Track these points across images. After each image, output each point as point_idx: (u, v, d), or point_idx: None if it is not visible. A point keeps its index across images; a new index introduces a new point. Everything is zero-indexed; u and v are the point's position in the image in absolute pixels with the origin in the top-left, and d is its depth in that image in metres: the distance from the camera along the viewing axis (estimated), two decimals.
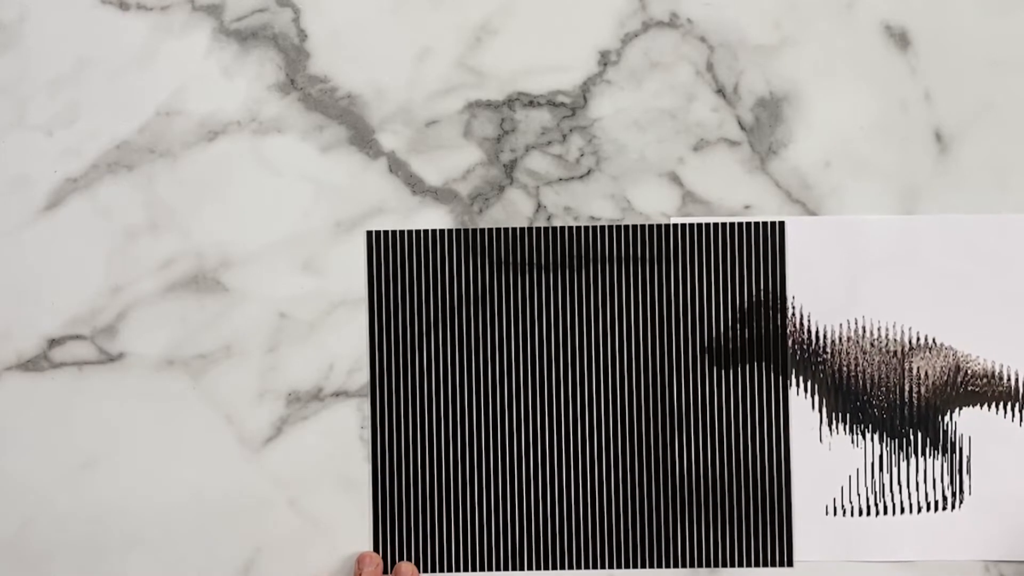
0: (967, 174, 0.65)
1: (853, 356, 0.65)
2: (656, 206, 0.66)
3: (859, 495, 0.65)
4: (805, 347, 0.65)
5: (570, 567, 0.65)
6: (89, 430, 0.65)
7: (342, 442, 0.66)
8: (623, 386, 0.65)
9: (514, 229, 0.65)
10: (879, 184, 0.65)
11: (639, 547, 0.65)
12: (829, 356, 0.65)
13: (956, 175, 0.65)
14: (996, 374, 0.65)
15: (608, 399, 0.65)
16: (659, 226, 0.65)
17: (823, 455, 0.65)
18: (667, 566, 0.65)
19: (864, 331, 0.65)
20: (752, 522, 0.65)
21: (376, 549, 0.65)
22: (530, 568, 0.65)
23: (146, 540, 0.65)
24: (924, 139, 0.65)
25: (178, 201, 0.66)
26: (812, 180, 0.65)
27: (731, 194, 0.66)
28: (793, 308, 0.65)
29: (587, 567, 0.65)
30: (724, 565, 0.65)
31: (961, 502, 0.65)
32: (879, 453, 0.65)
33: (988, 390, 0.65)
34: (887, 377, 0.65)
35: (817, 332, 0.65)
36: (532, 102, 0.66)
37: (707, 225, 0.65)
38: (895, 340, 0.65)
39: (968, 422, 0.65)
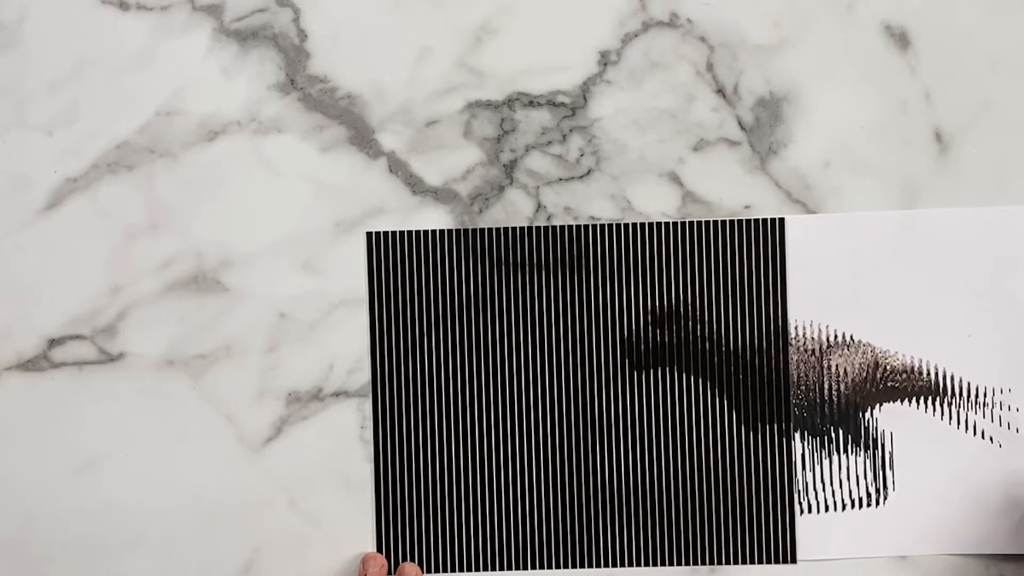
0: (967, 174, 0.65)
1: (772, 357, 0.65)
2: (656, 206, 0.66)
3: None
4: (721, 351, 0.65)
5: (573, 566, 0.65)
6: (89, 430, 0.65)
7: (342, 442, 0.66)
8: (624, 384, 0.65)
9: (513, 228, 0.65)
10: (879, 184, 0.65)
11: (640, 545, 0.65)
12: (750, 360, 0.65)
13: (956, 175, 0.65)
14: (915, 369, 0.65)
15: (608, 397, 0.65)
16: (656, 224, 0.65)
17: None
18: (667, 564, 0.65)
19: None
20: (753, 520, 0.65)
21: (379, 550, 0.65)
22: (534, 567, 0.65)
23: (146, 540, 0.65)
24: (924, 139, 0.65)
25: (178, 201, 0.66)
26: (812, 180, 0.65)
27: (731, 194, 0.66)
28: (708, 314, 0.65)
29: (590, 565, 0.65)
30: (726, 563, 0.65)
31: (885, 498, 0.65)
32: (801, 452, 0.65)
33: (908, 385, 0.65)
34: (806, 375, 0.65)
35: (737, 335, 0.65)
36: (532, 102, 0.66)
37: (705, 223, 0.65)
38: (813, 338, 0.65)
39: (889, 418, 0.65)
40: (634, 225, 0.65)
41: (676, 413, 0.65)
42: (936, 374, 0.65)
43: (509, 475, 0.65)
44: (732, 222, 0.65)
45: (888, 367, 0.65)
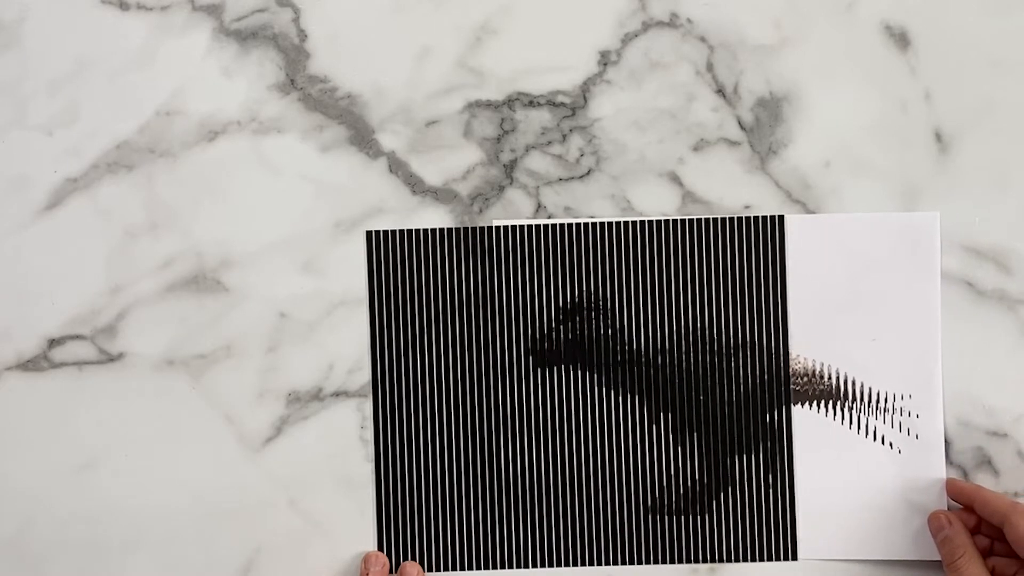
0: (967, 174, 0.65)
1: (676, 356, 0.65)
2: (656, 206, 0.66)
3: (682, 494, 0.65)
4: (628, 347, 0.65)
5: (574, 564, 0.65)
6: (89, 430, 0.65)
7: (342, 442, 0.66)
8: (623, 382, 0.65)
9: (512, 227, 0.65)
10: (879, 184, 0.65)
11: (640, 544, 0.65)
12: (652, 356, 0.65)
13: (956, 175, 0.65)
14: (817, 372, 0.65)
15: (608, 395, 0.65)
16: (657, 222, 0.65)
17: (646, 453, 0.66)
18: (668, 562, 0.65)
19: (687, 331, 0.65)
20: (754, 517, 0.65)
21: (380, 549, 0.65)
22: (534, 565, 0.65)
23: (146, 540, 0.65)
24: (924, 139, 0.65)
25: (178, 201, 0.66)
26: (812, 180, 0.65)
27: (731, 194, 0.66)
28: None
29: (590, 564, 0.65)
30: (727, 560, 0.65)
31: (787, 500, 0.65)
32: (708, 451, 0.65)
33: (809, 388, 0.65)
34: (710, 376, 0.65)
35: (642, 334, 0.65)
36: (532, 102, 0.66)
37: (704, 220, 0.65)
38: (716, 339, 0.65)
39: (791, 420, 0.65)
40: (633, 223, 0.65)
41: (675, 409, 0.65)
42: (838, 378, 0.65)
43: (511, 474, 0.65)
44: (731, 220, 0.65)
45: (791, 370, 0.65)
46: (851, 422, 0.65)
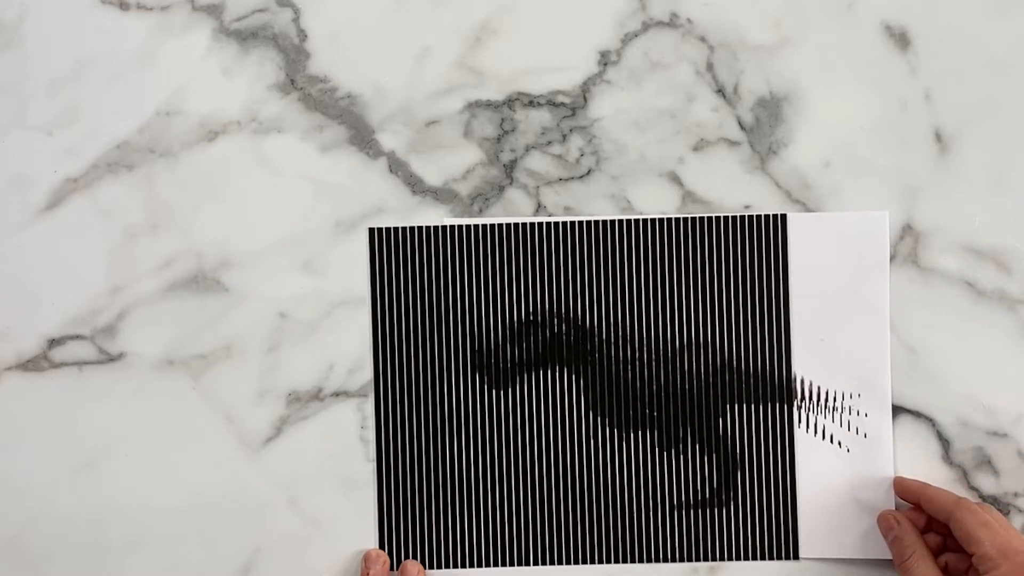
0: (967, 174, 0.65)
1: (623, 355, 0.65)
2: (656, 206, 0.66)
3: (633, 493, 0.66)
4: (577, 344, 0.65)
5: (574, 562, 0.65)
6: (89, 430, 0.65)
7: (342, 442, 0.66)
8: (623, 382, 0.65)
9: (512, 225, 0.65)
10: (879, 184, 0.65)
11: (641, 543, 0.65)
12: (598, 356, 0.65)
13: (956, 175, 0.65)
14: (766, 372, 0.65)
15: (608, 395, 0.65)
16: (657, 221, 0.65)
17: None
18: (668, 561, 0.65)
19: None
20: (754, 516, 0.65)
21: (381, 547, 0.65)
22: (534, 563, 0.65)
23: (146, 540, 0.65)
24: (924, 139, 0.65)
25: (178, 201, 0.66)
26: (812, 180, 0.65)
27: (731, 194, 0.66)
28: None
29: (591, 562, 0.65)
30: (727, 559, 0.65)
31: (731, 499, 0.65)
32: (652, 449, 0.65)
33: (757, 388, 0.65)
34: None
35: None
36: (532, 102, 0.66)
37: (704, 220, 0.65)
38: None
39: (737, 420, 0.65)
40: (633, 222, 0.65)
41: (675, 408, 0.65)
42: (784, 378, 0.65)
43: (511, 471, 0.65)
44: (732, 219, 0.65)
45: (738, 370, 0.65)
46: (799, 421, 0.65)
